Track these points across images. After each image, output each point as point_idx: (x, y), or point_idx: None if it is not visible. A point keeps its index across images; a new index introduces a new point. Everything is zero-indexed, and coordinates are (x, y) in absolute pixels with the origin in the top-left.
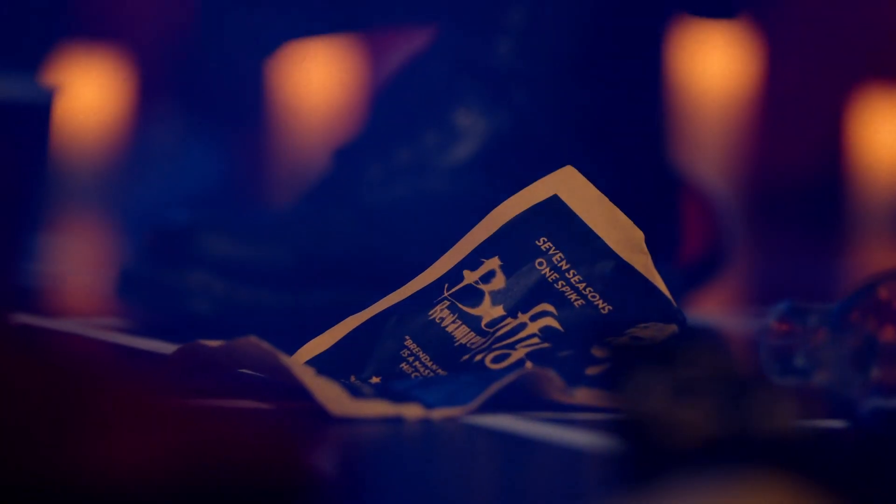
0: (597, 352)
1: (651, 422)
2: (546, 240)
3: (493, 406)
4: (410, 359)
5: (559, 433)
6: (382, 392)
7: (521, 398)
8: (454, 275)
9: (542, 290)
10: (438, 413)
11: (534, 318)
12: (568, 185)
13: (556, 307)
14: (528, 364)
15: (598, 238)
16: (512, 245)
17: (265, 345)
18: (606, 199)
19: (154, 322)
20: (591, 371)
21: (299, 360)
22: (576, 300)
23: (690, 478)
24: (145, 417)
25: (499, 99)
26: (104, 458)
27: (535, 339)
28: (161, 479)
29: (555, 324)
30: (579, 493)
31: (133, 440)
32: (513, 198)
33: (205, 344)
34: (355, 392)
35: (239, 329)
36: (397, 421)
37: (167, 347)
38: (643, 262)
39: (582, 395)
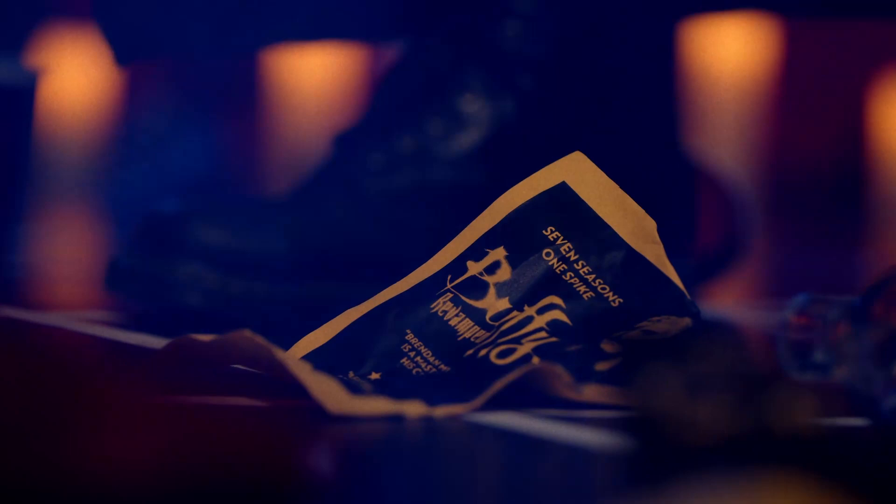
0: (607, 346)
1: (663, 420)
2: (554, 229)
3: (498, 403)
4: (412, 354)
5: (567, 431)
6: (382, 389)
7: (527, 395)
8: (457, 266)
9: (550, 282)
10: (441, 411)
11: (541, 312)
12: (577, 171)
13: (564, 300)
14: (535, 359)
15: (608, 227)
16: (518, 235)
17: (259, 339)
18: (617, 187)
19: (143, 315)
20: (600, 366)
21: (295, 356)
22: (585, 292)
23: (705, 478)
24: (133, 415)
25: (505, 85)
26: (90, 458)
27: (543, 334)
28: (149, 479)
29: (563, 317)
30: (588, 494)
31: (121, 439)
32: (519, 185)
33: (196, 338)
34: (354, 389)
35: (232, 322)
36: (398, 419)
37: (157, 342)
38: (655, 253)
39: (591, 392)
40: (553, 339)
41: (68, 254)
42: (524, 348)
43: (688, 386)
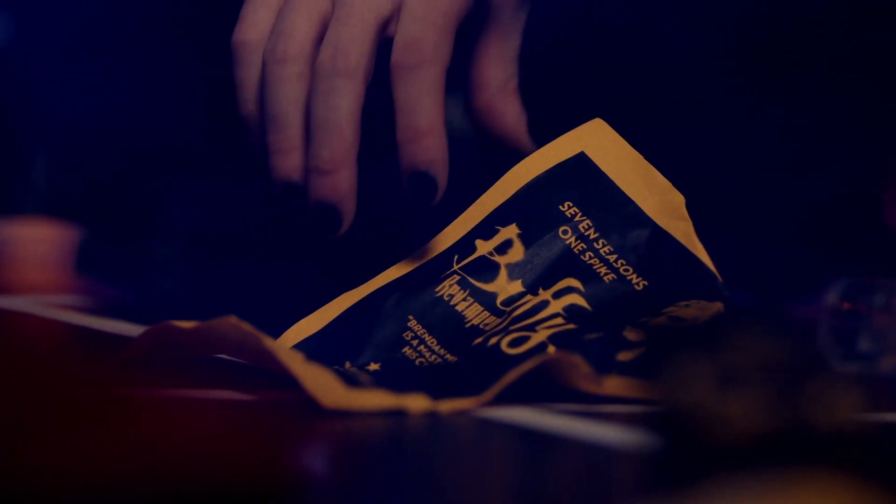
0: (630, 334)
1: (693, 415)
2: (571, 204)
3: (509, 397)
4: (414, 342)
5: (586, 428)
6: (382, 381)
7: (542, 388)
8: (465, 245)
9: (567, 263)
10: (446, 405)
11: (557, 296)
12: (597, 140)
13: (583, 282)
14: (551, 348)
15: (632, 202)
16: (531, 211)
17: (246, 326)
18: (641, 158)
19: (117, 300)
20: (623, 356)
21: (286, 344)
22: (605, 274)
23: (737, 479)
24: (107, 410)
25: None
26: (58, 457)
27: (559, 320)
28: (124, 481)
29: (581, 302)
30: (610, 496)
31: (93, 436)
32: (532, 156)
33: (176, 325)
34: (351, 381)
35: (216, 308)
36: (399, 414)
37: (132, 329)
38: (684, 230)
39: (613, 385)
40: (571, 325)
41: (34, 231)
42: (539, 336)
43: (719, 378)
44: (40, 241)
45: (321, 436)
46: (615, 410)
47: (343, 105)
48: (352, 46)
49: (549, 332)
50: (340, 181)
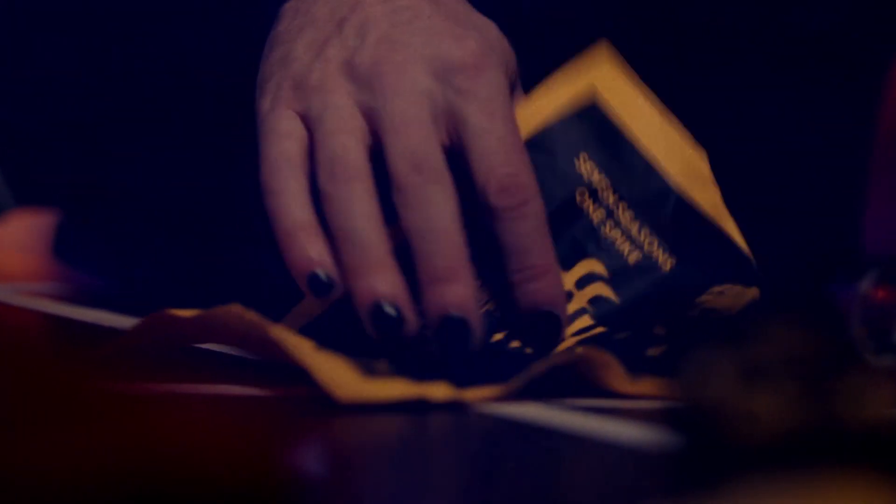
0: (660, 330)
1: (717, 411)
2: (587, 157)
3: (538, 389)
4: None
5: (604, 425)
6: (400, 367)
7: (558, 383)
8: None
9: (586, 238)
10: (472, 394)
11: (580, 285)
12: (607, 82)
13: (606, 265)
14: (578, 349)
15: (651, 165)
16: (542, 171)
17: (250, 314)
18: (656, 109)
19: (103, 288)
20: (653, 352)
21: (293, 329)
22: (630, 252)
23: (764, 479)
24: (94, 407)
25: (533, 46)
26: (39, 458)
27: (586, 319)
28: (112, 483)
29: (608, 292)
30: (630, 496)
31: (78, 436)
32: (537, 96)
33: (175, 314)
34: (367, 369)
35: (217, 295)
36: (409, 410)
37: (123, 320)
38: (711, 200)
39: (647, 385)
40: (600, 329)
41: (11, 214)
42: (567, 343)
43: (745, 372)
44: (16, 226)
45: (329, 432)
46: (635, 407)
47: (444, 210)
48: (425, 150)
49: (577, 339)
50: (463, 290)
